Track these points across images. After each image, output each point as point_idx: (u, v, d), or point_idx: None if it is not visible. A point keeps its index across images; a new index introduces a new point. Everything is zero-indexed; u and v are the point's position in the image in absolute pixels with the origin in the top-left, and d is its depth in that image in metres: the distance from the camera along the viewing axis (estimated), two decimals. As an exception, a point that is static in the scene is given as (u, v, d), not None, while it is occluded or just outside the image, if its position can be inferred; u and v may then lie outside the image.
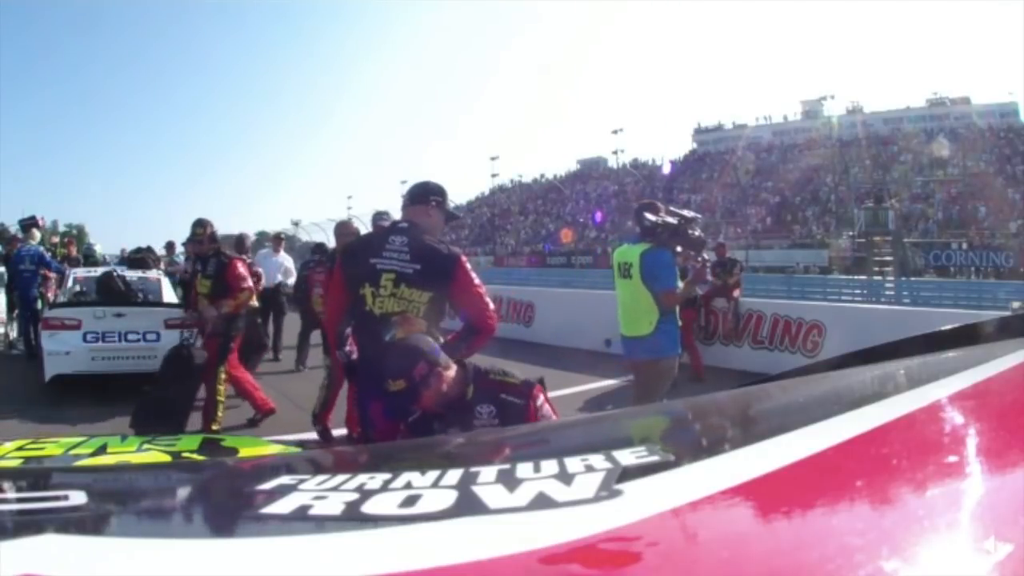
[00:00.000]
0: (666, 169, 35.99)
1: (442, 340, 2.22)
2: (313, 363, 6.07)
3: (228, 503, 0.56)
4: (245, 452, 2.52)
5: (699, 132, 40.16)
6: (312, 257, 6.58)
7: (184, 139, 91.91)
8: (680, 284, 3.50)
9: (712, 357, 6.38)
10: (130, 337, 5.43)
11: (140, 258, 7.24)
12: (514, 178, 43.49)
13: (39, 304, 7.13)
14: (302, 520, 0.41)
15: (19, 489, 0.59)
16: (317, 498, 0.43)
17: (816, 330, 6.22)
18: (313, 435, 4.18)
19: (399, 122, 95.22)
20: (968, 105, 31.31)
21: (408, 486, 0.45)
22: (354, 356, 2.43)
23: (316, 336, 5.86)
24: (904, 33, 75.69)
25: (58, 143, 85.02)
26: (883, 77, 74.96)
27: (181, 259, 8.18)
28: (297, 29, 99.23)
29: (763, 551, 0.35)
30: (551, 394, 2.25)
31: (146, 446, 2.36)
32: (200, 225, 4.51)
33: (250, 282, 4.50)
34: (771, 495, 0.41)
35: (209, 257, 4.46)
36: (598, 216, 34.13)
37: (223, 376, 4.40)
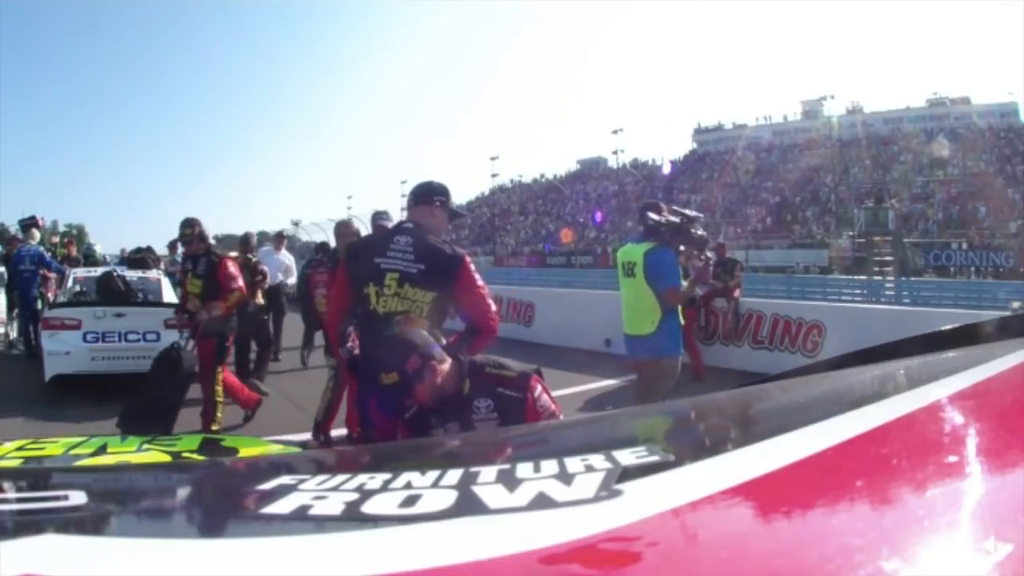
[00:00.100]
0: (666, 169, 35.99)
1: (444, 341, 2.22)
2: (315, 363, 6.07)
3: (228, 503, 0.56)
4: (245, 452, 2.52)
5: (699, 132, 40.18)
6: (315, 256, 6.56)
7: (184, 139, 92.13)
8: (684, 283, 3.52)
9: (712, 357, 6.38)
10: (130, 337, 5.43)
11: (140, 258, 7.24)
12: (514, 178, 43.55)
13: (39, 304, 7.14)
14: (302, 520, 0.41)
15: (19, 489, 0.59)
16: (317, 498, 0.43)
17: (816, 330, 6.22)
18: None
19: (399, 122, 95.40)
20: (968, 105, 31.32)
21: (408, 486, 0.45)
22: (356, 352, 2.44)
23: (319, 337, 5.85)
24: (904, 33, 75.76)
25: (58, 143, 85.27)
26: (883, 77, 75.12)
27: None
28: (297, 29, 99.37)
29: (763, 551, 0.35)
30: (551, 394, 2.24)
31: (146, 446, 2.36)
32: (188, 225, 4.45)
33: (241, 282, 4.45)
34: (771, 495, 0.41)
35: (199, 256, 4.41)
36: (598, 216, 34.15)
37: (220, 376, 4.38)
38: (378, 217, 3.95)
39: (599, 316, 6.84)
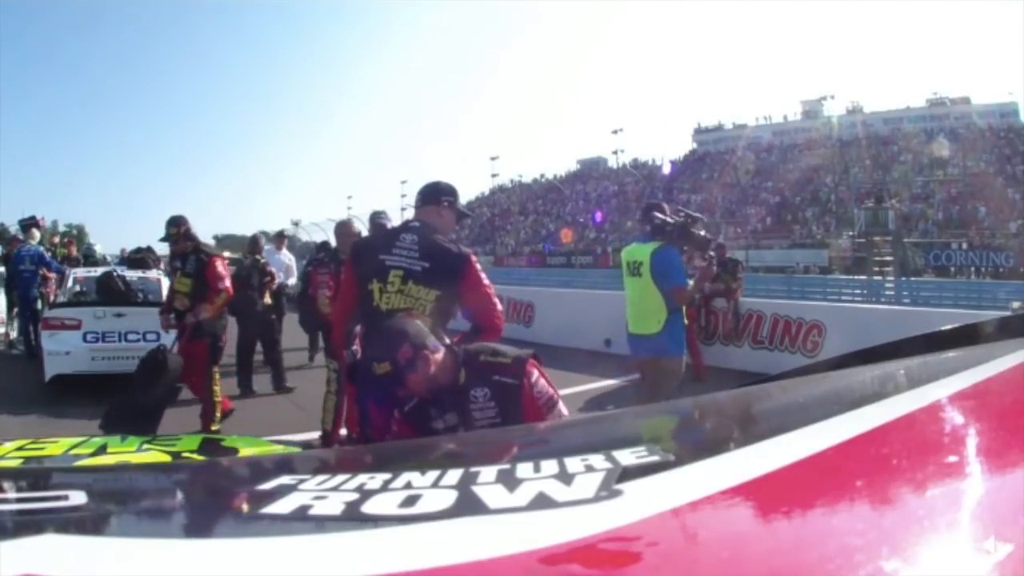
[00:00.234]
0: (666, 169, 35.98)
1: (448, 341, 2.22)
2: (316, 363, 6.07)
3: (228, 503, 0.56)
4: (245, 452, 2.51)
5: (699, 132, 40.17)
6: (316, 256, 6.55)
7: (184, 139, 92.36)
8: (690, 282, 3.54)
9: (712, 357, 6.38)
10: (130, 337, 5.42)
11: (140, 258, 7.22)
12: (514, 178, 43.58)
13: (39, 304, 7.13)
14: (302, 520, 0.41)
15: (19, 489, 0.59)
16: (317, 498, 0.43)
17: (816, 330, 6.22)
18: (313, 435, 4.17)
19: (399, 122, 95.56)
20: (968, 105, 31.30)
21: (408, 486, 0.45)
22: (359, 357, 2.43)
23: (320, 338, 5.83)
24: (904, 33, 75.75)
25: (58, 143, 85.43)
26: (883, 77, 75.12)
27: None
28: (297, 29, 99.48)
29: (763, 551, 0.35)
30: None
31: (146, 446, 2.36)
32: (173, 224, 4.39)
33: (228, 283, 4.39)
34: (771, 495, 0.41)
35: (188, 255, 4.35)
36: (598, 216, 34.15)
37: (217, 376, 4.36)
38: (376, 216, 3.96)
39: (599, 316, 6.84)
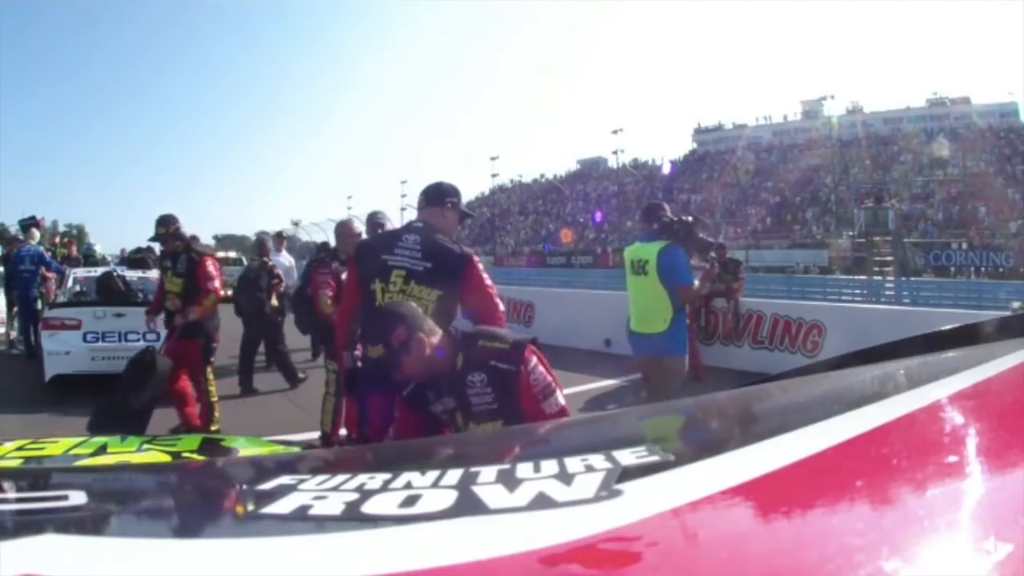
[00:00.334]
0: (666, 169, 35.98)
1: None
2: (316, 363, 6.06)
3: (228, 503, 0.56)
4: (245, 452, 2.51)
5: (699, 132, 40.17)
6: (317, 256, 6.54)
7: (184, 139, 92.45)
8: (696, 282, 3.56)
9: (712, 357, 6.38)
10: (130, 337, 5.41)
11: (140, 258, 7.21)
12: (514, 178, 43.58)
13: (39, 304, 7.13)
14: (302, 520, 0.41)
15: (19, 489, 0.59)
16: (317, 498, 0.43)
17: (816, 330, 6.22)
18: (313, 435, 4.17)
19: (399, 122, 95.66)
20: (968, 105, 31.31)
21: (408, 486, 0.45)
22: (360, 363, 2.43)
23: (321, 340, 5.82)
24: (904, 33, 75.80)
25: (58, 143, 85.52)
26: (883, 77, 75.17)
27: None
28: (297, 29, 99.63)
29: (763, 551, 0.35)
30: None
31: (146, 446, 2.36)
32: (162, 224, 4.33)
33: (218, 283, 4.34)
34: (771, 495, 0.41)
35: (179, 254, 4.31)
36: (598, 216, 34.14)
37: (212, 376, 4.34)
38: (374, 217, 3.96)
39: (599, 316, 6.84)
